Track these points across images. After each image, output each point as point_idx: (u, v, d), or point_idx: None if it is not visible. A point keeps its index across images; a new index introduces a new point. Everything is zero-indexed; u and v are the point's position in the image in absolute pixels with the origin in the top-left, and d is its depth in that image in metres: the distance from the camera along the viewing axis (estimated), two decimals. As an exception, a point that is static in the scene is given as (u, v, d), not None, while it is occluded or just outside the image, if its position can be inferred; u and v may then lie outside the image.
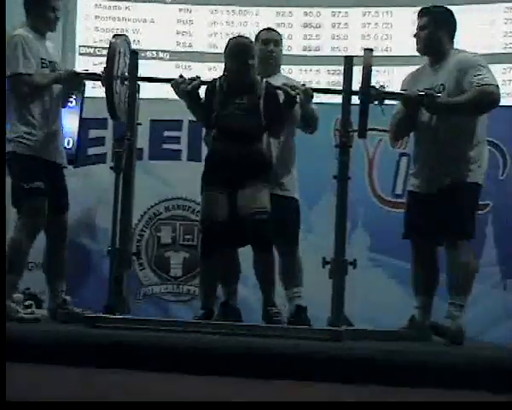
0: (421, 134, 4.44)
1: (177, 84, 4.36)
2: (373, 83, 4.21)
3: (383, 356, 3.34)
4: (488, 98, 4.26)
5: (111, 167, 4.39)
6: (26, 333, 3.68)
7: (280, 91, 4.33)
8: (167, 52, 6.24)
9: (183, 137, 6.01)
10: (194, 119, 4.57)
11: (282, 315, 4.30)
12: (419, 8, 4.58)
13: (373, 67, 4.19)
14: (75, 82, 4.71)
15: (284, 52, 4.90)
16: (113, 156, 4.43)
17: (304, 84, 4.52)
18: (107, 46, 4.37)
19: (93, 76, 4.69)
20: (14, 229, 4.51)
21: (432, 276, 4.41)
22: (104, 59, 4.40)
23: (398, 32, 6.02)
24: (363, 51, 4.26)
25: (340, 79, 4.39)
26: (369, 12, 6.12)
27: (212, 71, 4.44)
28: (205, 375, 3.11)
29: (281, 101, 4.33)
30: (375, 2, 6.14)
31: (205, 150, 4.68)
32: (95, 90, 5.45)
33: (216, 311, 4.40)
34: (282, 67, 4.83)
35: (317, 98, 4.64)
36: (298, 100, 4.33)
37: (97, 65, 5.01)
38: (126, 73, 4.44)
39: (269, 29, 4.88)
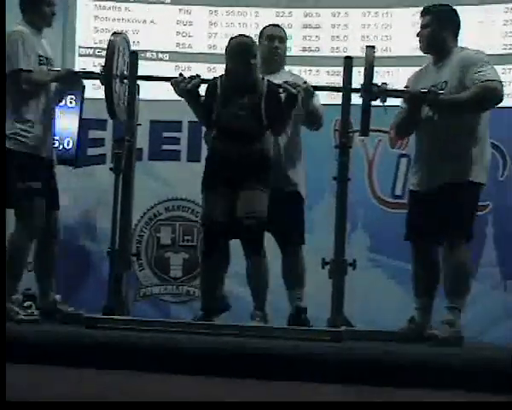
0: (422, 131, 4.42)
1: (177, 82, 4.35)
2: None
3: (383, 356, 3.34)
4: (491, 94, 4.24)
5: (110, 168, 4.40)
6: (25, 334, 3.67)
7: (281, 89, 4.30)
8: (167, 53, 6.23)
9: (182, 137, 6.02)
10: (195, 117, 4.53)
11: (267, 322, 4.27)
12: (419, 9, 4.58)
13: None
14: (74, 80, 4.70)
15: (284, 52, 4.89)
16: (113, 157, 4.43)
17: (305, 82, 4.50)
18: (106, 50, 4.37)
19: (92, 74, 4.69)
20: (14, 231, 4.50)
21: (432, 277, 4.38)
22: (104, 60, 4.40)
23: (398, 32, 6.02)
24: (365, 48, 4.26)
25: (340, 79, 4.39)
26: (369, 13, 6.11)
27: (212, 72, 4.43)
28: (204, 376, 3.11)
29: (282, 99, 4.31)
30: (375, 2, 6.14)
31: (204, 151, 4.67)
32: (95, 91, 5.45)
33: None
34: (286, 69, 4.81)
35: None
36: (299, 98, 4.31)
37: (97, 66, 5.01)
38: (126, 72, 4.44)
39: (274, 25, 4.86)
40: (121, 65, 4.44)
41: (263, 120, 4.26)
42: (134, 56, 4.47)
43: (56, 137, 5.48)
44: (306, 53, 6.18)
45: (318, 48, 6.19)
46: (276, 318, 4.40)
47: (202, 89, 4.38)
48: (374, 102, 4.26)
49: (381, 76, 4.21)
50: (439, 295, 4.42)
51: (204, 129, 4.60)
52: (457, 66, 4.32)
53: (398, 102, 4.47)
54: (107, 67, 4.33)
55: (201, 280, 4.52)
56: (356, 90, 4.24)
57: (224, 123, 4.27)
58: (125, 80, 4.46)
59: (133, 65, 4.43)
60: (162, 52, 6.23)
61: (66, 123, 5.58)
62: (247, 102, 4.26)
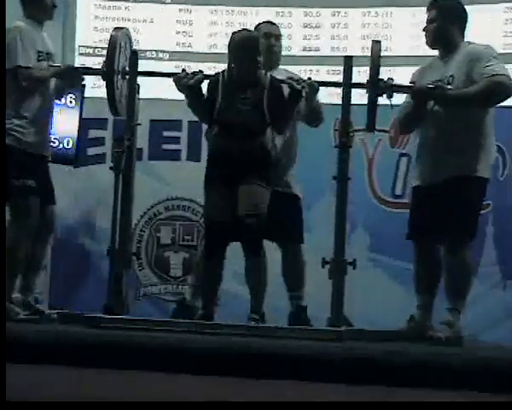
0: (427, 123, 4.33)
1: (180, 78, 4.31)
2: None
3: (383, 356, 3.34)
4: (499, 88, 4.18)
5: (111, 168, 4.39)
6: (25, 334, 3.67)
7: (284, 85, 4.27)
8: (167, 52, 6.24)
9: (182, 137, 6.03)
10: (195, 117, 4.49)
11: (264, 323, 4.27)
12: (419, 9, 4.57)
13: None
14: (74, 76, 4.66)
15: (284, 52, 4.89)
16: (113, 156, 4.42)
17: (310, 78, 4.48)
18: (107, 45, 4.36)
19: (93, 70, 4.67)
20: (7, 229, 4.44)
21: (434, 274, 4.33)
22: (104, 59, 4.39)
23: (398, 32, 6.02)
24: (370, 44, 4.24)
25: (340, 79, 4.39)
26: (369, 12, 6.12)
27: (212, 71, 4.41)
28: (204, 375, 3.11)
29: (285, 95, 4.28)
30: (375, 2, 6.14)
31: (205, 150, 4.67)
32: (94, 90, 5.46)
33: (216, 311, 4.39)
34: (280, 67, 4.80)
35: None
36: (303, 94, 4.28)
37: (97, 65, 5.00)
38: (127, 68, 4.42)
39: (269, 22, 4.82)
40: (123, 61, 4.41)
41: (265, 114, 4.23)
42: (134, 56, 4.46)
43: (56, 137, 5.49)
44: (306, 52, 6.19)
45: (318, 47, 6.20)
46: (275, 317, 4.40)
47: (203, 86, 4.37)
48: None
49: (380, 76, 4.19)
50: (439, 295, 4.42)
51: (205, 127, 4.58)
52: (464, 60, 4.25)
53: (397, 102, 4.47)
54: (109, 62, 4.30)
55: (202, 281, 4.50)
56: (362, 86, 4.21)
57: (225, 118, 4.22)
58: (127, 77, 4.44)
59: (133, 64, 4.42)
60: (162, 51, 6.24)
61: (66, 122, 5.59)
62: (250, 97, 4.22)
